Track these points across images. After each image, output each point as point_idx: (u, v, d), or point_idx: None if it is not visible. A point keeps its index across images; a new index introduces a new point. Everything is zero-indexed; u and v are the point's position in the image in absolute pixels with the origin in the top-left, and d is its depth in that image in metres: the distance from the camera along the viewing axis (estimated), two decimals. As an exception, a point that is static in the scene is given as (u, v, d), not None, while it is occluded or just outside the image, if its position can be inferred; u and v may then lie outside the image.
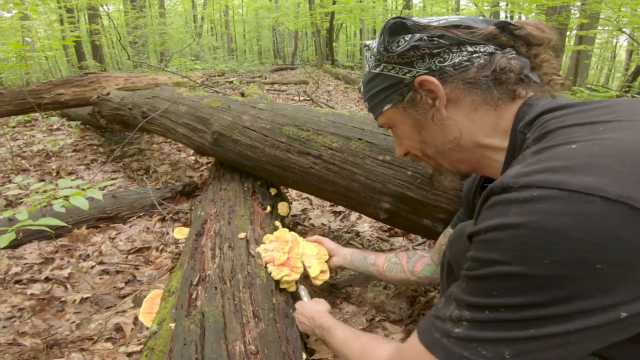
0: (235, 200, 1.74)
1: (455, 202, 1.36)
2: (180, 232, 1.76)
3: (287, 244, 1.32)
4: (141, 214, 2.34)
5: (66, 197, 1.76)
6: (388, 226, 2.26)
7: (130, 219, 2.32)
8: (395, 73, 0.77)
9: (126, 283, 1.90)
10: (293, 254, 1.29)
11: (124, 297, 1.83)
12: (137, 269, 1.99)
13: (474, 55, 0.71)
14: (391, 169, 1.49)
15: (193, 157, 3.44)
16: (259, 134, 1.91)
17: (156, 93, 2.94)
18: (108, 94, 3.44)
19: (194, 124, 2.36)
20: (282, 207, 1.78)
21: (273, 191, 1.92)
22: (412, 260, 1.35)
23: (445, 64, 0.72)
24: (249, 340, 1.08)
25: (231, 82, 8.24)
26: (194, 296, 1.18)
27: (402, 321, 1.66)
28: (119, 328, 1.63)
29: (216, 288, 1.18)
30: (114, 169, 3.16)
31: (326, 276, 1.43)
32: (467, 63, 0.71)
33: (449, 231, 1.20)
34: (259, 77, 9.85)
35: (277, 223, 1.63)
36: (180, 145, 3.68)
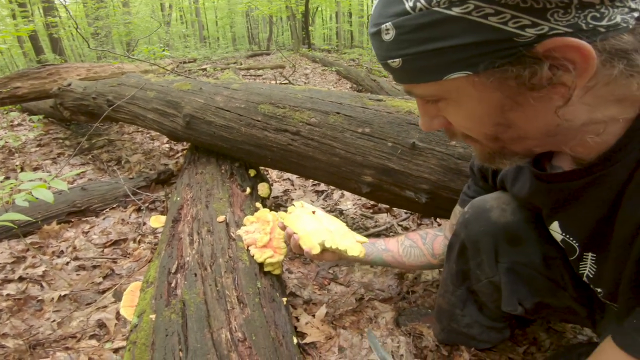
0: (213, 183, 1.64)
1: (437, 172, 1.29)
2: (157, 221, 1.65)
3: (269, 224, 1.24)
4: (115, 205, 2.20)
5: (29, 191, 1.62)
6: (372, 203, 2.21)
7: (104, 211, 2.19)
8: (499, 23, 0.46)
9: (104, 277, 1.79)
10: (275, 234, 1.21)
11: (104, 292, 1.73)
12: (115, 262, 1.88)
13: (634, 12, 0.47)
14: (371, 141, 1.42)
15: (167, 145, 3.29)
16: (234, 114, 1.82)
17: (122, 80, 2.79)
18: (69, 84, 3.24)
19: (164, 109, 2.24)
20: (262, 188, 1.69)
21: (252, 172, 1.82)
22: (428, 240, 1.21)
23: (602, 22, 0.46)
24: (235, 327, 1.01)
25: (204, 69, 7.95)
26: (173, 285, 1.09)
27: (392, 299, 1.61)
28: (101, 324, 1.53)
29: (196, 275, 1.09)
30: (82, 162, 2.98)
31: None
32: (623, 24, 0.47)
33: (458, 210, 1.09)
34: (234, 63, 9.56)
35: (258, 204, 1.55)
36: (153, 133, 3.52)
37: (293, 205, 1.20)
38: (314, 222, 1.14)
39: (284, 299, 1.23)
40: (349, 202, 2.22)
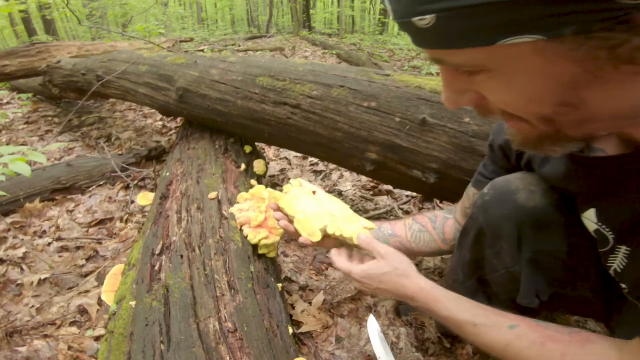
0: (205, 158, 1.50)
1: (448, 150, 1.17)
2: (145, 198, 1.51)
3: (264, 202, 1.10)
4: (102, 183, 2.05)
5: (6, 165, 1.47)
6: (372, 184, 2.08)
7: (90, 189, 2.04)
8: None
9: (87, 259, 1.65)
10: (271, 212, 1.06)
11: (86, 275, 1.60)
12: (100, 243, 1.74)
13: None
14: (377, 116, 1.29)
15: (160, 122, 3.12)
16: (230, 87, 1.68)
17: (113, 56, 2.64)
18: (59, 61, 3.09)
19: (156, 83, 2.10)
20: (258, 165, 1.55)
21: (248, 149, 1.68)
22: (438, 224, 1.08)
23: None
24: (224, 316, 0.88)
25: (201, 50, 7.70)
26: (156, 267, 0.96)
27: (394, 285, 1.50)
28: (83, 310, 1.41)
29: (182, 256, 0.96)
30: (71, 139, 2.82)
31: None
32: None
33: (471, 191, 0.98)
34: (232, 45, 9.28)
35: (253, 182, 1.41)
36: (146, 111, 3.36)
37: (290, 183, 1.04)
38: (314, 204, 0.97)
39: (279, 285, 1.10)
40: (348, 183, 2.08)
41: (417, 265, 1.60)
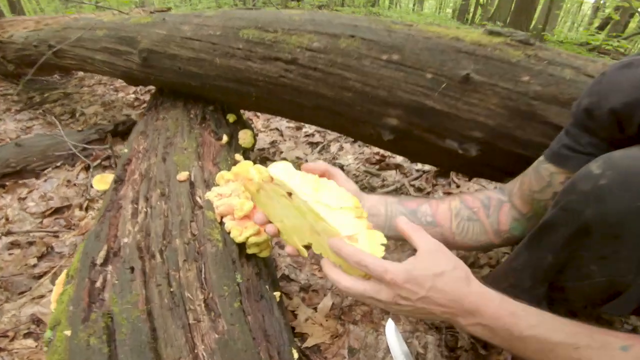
0: (176, 130, 1.16)
1: (499, 115, 0.90)
2: (103, 181, 1.18)
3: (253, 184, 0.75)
4: (59, 164, 1.69)
5: None
6: (377, 157, 1.76)
7: (45, 172, 1.68)
8: None
9: (41, 258, 1.32)
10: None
11: (40, 276, 1.28)
12: (57, 236, 1.40)
13: None
14: (401, 72, 0.99)
15: (133, 95, 2.73)
16: (206, 44, 1.33)
17: (69, 24, 2.28)
18: (11, 36, 2.72)
19: (115, 47, 1.74)
20: (244, 136, 1.21)
21: (231, 118, 1.34)
22: (492, 211, 0.80)
23: None
24: (202, 355, 0.57)
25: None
26: (98, 284, 0.64)
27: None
28: (37, 319, 1.11)
29: (133, 270, 0.64)
30: (31, 117, 2.42)
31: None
32: None
33: (546, 169, 0.71)
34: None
35: (238, 156, 1.07)
36: (118, 85, 2.95)
37: (273, 166, 0.65)
38: (292, 211, 0.62)
39: (277, 294, 0.79)
40: (350, 156, 1.76)
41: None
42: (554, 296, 0.75)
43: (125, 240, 0.70)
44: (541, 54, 0.90)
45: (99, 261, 0.66)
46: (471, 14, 13.85)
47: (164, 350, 0.57)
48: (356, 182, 1.56)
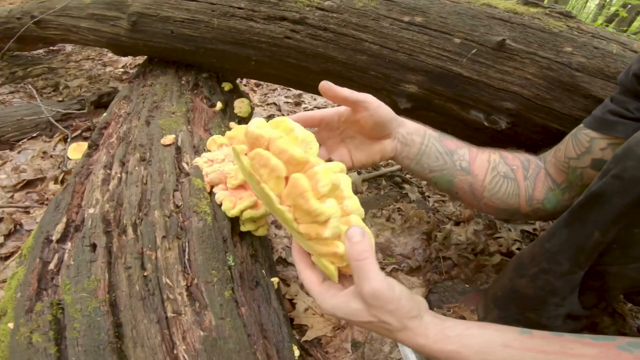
0: (165, 94, 0.99)
1: (537, 86, 0.80)
2: (78, 150, 1.02)
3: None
4: (35, 135, 1.51)
5: None
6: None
7: (20, 143, 1.49)
8: None
9: (7, 236, 1.15)
10: None
11: (6, 258, 1.12)
12: (27, 212, 1.23)
13: None
14: (425, 34, 0.87)
15: (122, 69, 2.53)
16: (203, 3, 1.19)
17: None
18: None
19: (102, 12, 1.57)
20: (240, 105, 1.05)
21: (227, 86, 1.17)
22: (531, 174, 0.70)
23: None
24: (184, 357, 0.43)
25: None
26: (51, 266, 0.48)
27: (420, 269, 1.11)
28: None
29: (94, 247, 0.48)
30: (11, 90, 2.21)
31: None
32: None
33: (586, 135, 0.64)
34: None
35: (233, 124, 0.92)
36: (106, 59, 2.74)
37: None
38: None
39: (275, 280, 0.65)
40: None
41: (445, 239, 1.19)
42: (588, 284, 0.67)
43: (91, 211, 0.54)
44: (584, 27, 0.82)
45: (55, 237, 0.50)
46: None
47: (132, 352, 0.42)
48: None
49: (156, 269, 0.48)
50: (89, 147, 0.79)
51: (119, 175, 0.61)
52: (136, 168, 0.62)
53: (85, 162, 0.71)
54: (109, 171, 0.63)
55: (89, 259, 0.47)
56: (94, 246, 0.48)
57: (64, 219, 0.52)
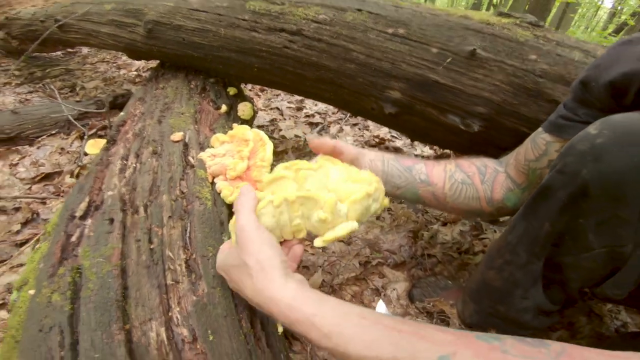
0: (175, 97, 1.09)
1: (505, 92, 0.87)
2: (96, 146, 1.12)
3: (248, 146, 0.69)
4: (54, 132, 1.62)
5: None
6: (377, 140, 1.70)
7: (40, 139, 1.60)
8: None
9: (24, 224, 1.24)
10: (257, 159, 0.65)
11: (23, 244, 1.20)
12: (44, 202, 1.33)
13: None
14: (406, 45, 0.94)
15: (135, 72, 2.65)
16: (212, 15, 1.28)
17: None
18: (18, 12, 2.64)
19: (121, 19, 1.68)
20: (243, 108, 1.14)
21: (232, 90, 1.27)
22: (488, 177, 0.77)
23: None
24: (177, 317, 0.51)
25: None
26: (74, 238, 0.57)
27: (404, 264, 1.18)
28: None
29: (112, 221, 0.57)
30: (30, 90, 2.34)
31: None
32: None
33: (543, 138, 0.70)
34: None
35: (235, 125, 1.01)
36: (120, 62, 2.87)
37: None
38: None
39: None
40: (349, 138, 1.69)
41: (432, 238, 1.26)
42: (551, 277, 0.72)
43: (110, 193, 0.63)
44: (550, 36, 0.88)
45: (78, 213, 0.59)
46: (485, 8, 13.77)
47: (134, 310, 0.50)
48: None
49: (161, 243, 0.56)
50: (108, 141, 0.88)
51: (134, 165, 0.70)
52: (149, 159, 0.71)
53: (105, 154, 0.81)
54: (125, 162, 0.72)
55: (107, 230, 0.55)
56: (111, 220, 0.57)
57: (87, 199, 0.61)
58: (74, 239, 0.57)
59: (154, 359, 0.47)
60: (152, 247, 0.56)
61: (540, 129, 0.72)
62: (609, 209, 0.55)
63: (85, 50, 3.17)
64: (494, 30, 0.89)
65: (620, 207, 0.54)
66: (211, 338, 0.51)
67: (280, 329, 0.66)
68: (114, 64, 2.86)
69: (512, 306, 0.79)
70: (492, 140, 0.91)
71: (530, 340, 0.40)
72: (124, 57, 2.83)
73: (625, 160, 0.51)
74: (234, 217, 0.52)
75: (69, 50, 3.15)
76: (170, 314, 0.51)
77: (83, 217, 0.60)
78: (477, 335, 0.41)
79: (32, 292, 0.55)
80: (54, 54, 3.09)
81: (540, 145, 0.71)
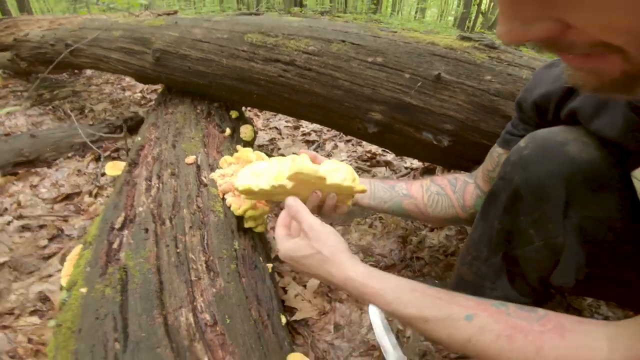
0: (184, 122, 1.26)
1: (466, 110, 1.01)
2: (115, 168, 1.27)
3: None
4: (70, 155, 1.79)
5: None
6: (368, 155, 1.87)
7: (57, 161, 1.78)
8: None
9: (51, 239, 1.41)
10: None
11: (49, 257, 1.36)
12: (66, 220, 1.50)
13: None
14: (384, 72, 1.11)
15: (140, 94, 2.84)
16: (214, 46, 1.45)
17: (85, 24, 2.37)
18: (27, 34, 2.81)
19: (130, 47, 1.85)
20: (245, 131, 1.32)
21: (234, 114, 1.44)
22: (458, 188, 0.92)
23: None
24: (200, 306, 0.67)
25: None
26: (115, 245, 0.74)
27: (395, 266, 1.32)
28: (44, 297, 1.19)
29: (147, 230, 0.74)
30: (41, 112, 2.52)
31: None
32: None
33: (497, 152, 0.83)
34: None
35: (239, 147, 1.18)
36: (125, 84, 3.06)
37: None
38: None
39: (269, 265, 0.89)
40: (343, 153, 1.87)
41: (420, 243, 1.41)
42: (513, 270, 0.83)
43: (140, 209, 0.79)
44: (503, 56, 1.02)
45: (117, 225, 0.76)
46: (472, 22, 14.00)
47: (168, 300, 0.66)
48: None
49: (185, 248, 0.73)
50: (129, 164, 1.05)
51: (157, 185, 0.87)
52: (169, 180, 0.88)
53: (129, 175, 0.98)
54: (149, 182, 0.89)
55: (144, 237, 0.72)
56: (146, 230, 0.74)
57: (123, 214, 0.78)
58: (115, 246, 0.74)
59: (184, 338, 0.63)
60: (178, 251, 0.72)
61: (495, 144, 0.86)
62: (538, 208, 0.68)
63: (89, 71, 3.37)
64: (456, 54, 1.04)
65: (545, 205, 0.67)
66: (228, 322, 0.67)
67: (283, 320, 0.82)
68: (119, 85, 3.06)
69: (484, 297, 0.94)
70: (461, 154, 1.07)
71: (526, 307, 0.56)
72: (128, 79, 3.03)
73: (544, 168, 0.65)
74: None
75: (75, 71, 3.34)
76: (195, 303, 0.67)
77: (121, 229, 0.77)
78: (491, 303, 0.58)
79: (83, 290, 0.71)
80: (59, 75, 3.29)
81: (495, 157, 0.85)
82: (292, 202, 0.72)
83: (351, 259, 0.65)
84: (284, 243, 0.71)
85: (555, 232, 0.68)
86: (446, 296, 0.59)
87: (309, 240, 0.67)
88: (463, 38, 1.10)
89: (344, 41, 1.18)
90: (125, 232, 0.76)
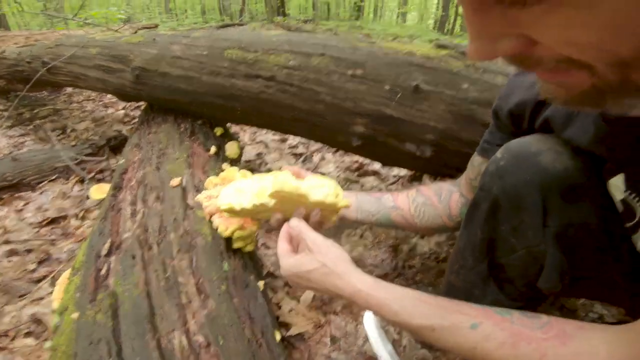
0: (168, 142, 1.29)
1: (446, 120, 1.04)
2: (100, 191, 1.30)
3: None
4: (54, 177, 1.80)
5: None
6: (356, 165, 1.91)
7: (41, 185, 1.79)
8: None
9: (40, 263, 1.43)
10: None
11: (39, 280, 1.38)
12: (54, 244, 1.51)
13: None
14: (364, 84, 1.15)
15: (123, 111, 2.85)
16: (194, 62, 1.48)
17: (61, 41, 2.39)
18: (3, 52, 2.83)
19: (108, 64, 1.87)
20: (231, 148, 1.35)
21: (219, 131, 1.47)
22: (444, 198, 0.95)
23: None
24: (193, 328, 0.69)
25: (168, 39, 7.22)
26: (103, 272, 0.76)
27: (387, 275, 1.35)
28: (37, 320, 1.21)
29: (134, 257, 0.76)
30: (22, 133, 2.52)
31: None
32: None
33: (477, 160, 0.86)
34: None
35: (225, 166, 1.21)
36: (107, 100, 3.07)
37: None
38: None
39: (261, 283, 0.92)
40: (331, 164, 1.91)
41: (410, 251, 1.45)
42: (500, 277, 0.85)
43: (126, 235, 0.82)
44: (478, 64, 1.04)
45: (103, 252, 0.78)
46: (451, 25, 14.23)
47: (160, 324, 0.69)
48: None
49: (174, 272, 0.76)
50: (113, 188, 1.07)
51: (143, 210, 0.90)
52: (154, 204, 0.91)
53: (113, 200, 1.00)
54: (134, 207, 0.91)
55: (131, 264, 0.74)
56: (133, 256, 0.76)
57: (109, 240, 0.80)
58: (103, 272, 0.76)
59: (177, 360, 0.65)
60: (167, 275, 0.75)
61: (475, 152, 0.88)
62: (516, 217, 0.71)
63: (69, 88, 3.36)
64: (433, 63, 1.07)
65: (524, 214, 0.70)
66: (221, 342, 0.69)
67: (278, 337, 0.85)
68: (101, 102, 3.06)
69: (475, 303, 0.97)
70: (445, 162, 1.10)
71: (529, 314, 0.58)
72: (109, 96, 3.04)
73: (519, 177, 0.68)
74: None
75: (55, 88, 3.33)
76: (187, 325, 0.70)
77: (108, 255, 0.79)
78: (495, 310, 0.60)
79: (75, 315, 0.73)
80: (39, 93, 3.28)
81: (475, 166, 0.87)
82: (296, 223, 0.76)
83: (356, 270, 0.68)
84: (287, 260, 0.74)
85: (536, 240, 0.70)
86: (451, 305, 0.62)
87: (313, 255, 0.70)
88: (439, 46, 1.14)
89: (323, 54, 1.21)
90: (113, 258, 0.78)
